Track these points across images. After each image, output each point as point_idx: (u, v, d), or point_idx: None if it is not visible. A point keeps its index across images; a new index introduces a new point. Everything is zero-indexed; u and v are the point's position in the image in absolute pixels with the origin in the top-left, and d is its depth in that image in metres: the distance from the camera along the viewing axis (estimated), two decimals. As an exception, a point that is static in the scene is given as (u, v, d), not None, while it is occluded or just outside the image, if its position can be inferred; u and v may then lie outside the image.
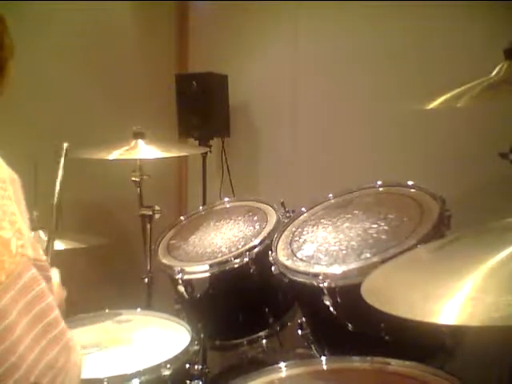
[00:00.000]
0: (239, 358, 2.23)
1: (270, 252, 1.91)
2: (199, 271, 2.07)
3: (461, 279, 1.00)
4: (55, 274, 1.24)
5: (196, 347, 1.74)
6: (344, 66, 2.87)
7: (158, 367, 1.59)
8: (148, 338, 1.86)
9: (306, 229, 1.97)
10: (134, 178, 2.41)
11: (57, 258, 1.53)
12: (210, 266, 2.05)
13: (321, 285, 1.64)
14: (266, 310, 2.12)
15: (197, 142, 3.09)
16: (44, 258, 0.86)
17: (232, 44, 3.25)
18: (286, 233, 2.00)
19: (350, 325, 1.67)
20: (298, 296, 1.93)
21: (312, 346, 1.87)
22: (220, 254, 2.08)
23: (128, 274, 2.53)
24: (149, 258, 2.39)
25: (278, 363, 1.54)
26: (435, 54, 2.55)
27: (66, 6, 2.65)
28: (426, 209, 1.79)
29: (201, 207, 2.57)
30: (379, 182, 2.06)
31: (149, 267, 2.40)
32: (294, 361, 1.56)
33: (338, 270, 1.66)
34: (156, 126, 2.47)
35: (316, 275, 1.67)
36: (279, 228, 2.06)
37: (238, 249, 2.07)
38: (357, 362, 1.50)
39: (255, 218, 2.24)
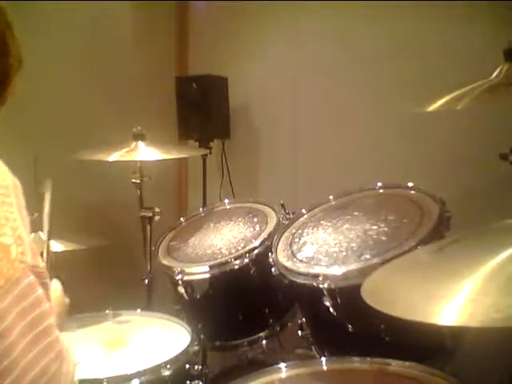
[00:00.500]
0: (239, 359, 2.23)
1: (270, 253, 1.91)
2: (199, 272, 2.07)
3: (461, 280, 1.01)
4: (56, 284, 1.24)
5: (196, 348, 1.74)
6: (344, 68, 2.87)
7: (158, 367, 1.60)
8: (148, 338, 1.86)
9: (306, 230, 1.97)
10: (134, 180, 2.41)
11: (57, 260, 1.53)
12: (210, 267, 2.05)
13: (321, 286, 1.64)
14: (266, 310, 2.13)
15: (197, 143, 3.09)
16: (42, 264, 0.86)
17: (232, 45, 3.25)
18: (286, 234, 2.00)
19: (349, 326, 1.68)
20: (298, 297, 1.93)
21: (312, 347, 1.87)
22: (220, 256, 2.08)
23: (128, 275, 2.53)
24: (149, 260, 2.39)
25: (278, 364, 1.54)
26: (435, 56, 2.55)
27: (66, 6, 2.65)
28: (426, 210, 1.79)
29: (201, 209, 2.57)
30: (379, 184, 2.06)
31: (149, 268, 2.40)
32: (294, 361, 1.57)
33: (338, 271, 1.66)
34: (156, 128, 2.47)
35: (316, 276, 1.67)
36: (279, 229, 2.06)
37: (238, 250, 2.07)
38: (357, 363, 1.50)
39: (255, 220, 2.24)
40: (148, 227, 2.40)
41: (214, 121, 3.11)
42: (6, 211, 0.82)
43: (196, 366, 1.69)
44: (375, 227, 1.81)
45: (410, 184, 1.95)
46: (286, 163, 3.15)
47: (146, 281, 2.40)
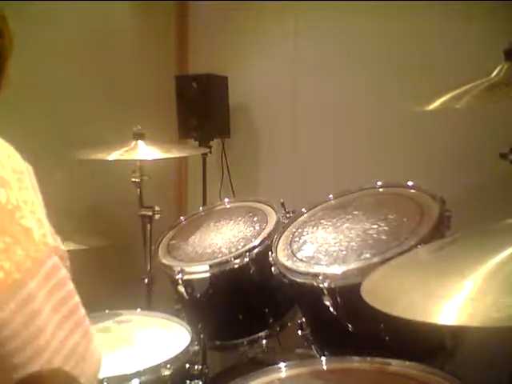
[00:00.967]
0: (239, 358, 2.23)
1: (270, 252, 1.91)
2: (199, 271, 2.07)
3: (461, 280, 1.01)
4: None
5: (196, 347, 1.74)
6: (344, 67, 2.87)
7: (158, 367, 1.59)
8: (148, 338, 1.86)
9: (306, 229, 1.97)
10: (134, 179, 2.41)
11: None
12: (210, 266, 2.05)
13: (321, 285, 1.64)
14: (266, 310, 2.12)
15: (197, 142, 3.09)
16: (63, 247, 0.88)
17: (232, 45, 3.25)
18: (286, 233, 2.00)
19: (349, 325, 1.67)
20: (298, 296, 1.93)
21: (312, 347, 1.87)
22: (220, 255, 2.08)
23: (128, 274, 2.53)
24: (149, 259, 2.39)
25: (277, 363, 1.54)
26: (435, 55, 2.55)
27: (66, 6, 2.65)
28: (426, 209, 1.79)
29: (201, 208, 2.57)
30: (379, 183, 2.06)
31: (149, 267, 2.40)
32: (294, 361, 1.57)
33: (338, 270, 1.66)
34: (156, 127, 2.47)
35: (316, 275, 1.67)
36: (279, 228, 2.06)
37: (238, 249, 2.07)
38: (357, 362, 1.50)
39: (255, 219, 2.24)
40: (148, 226, 2.40)
41: (214, 120, 3.11)
42: (23, 195, 0.83)
43: (196, 366, 1.69)
44: (375, 226, 1.81)
45: (410, 183, 1.95)
46: (286, 162, 3.15)
47: (146, 280, 2.40)
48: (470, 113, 1.99)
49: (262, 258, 1.98)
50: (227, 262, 2.03)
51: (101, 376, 1.52)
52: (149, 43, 3.23)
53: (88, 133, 2.69)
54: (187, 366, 1.67)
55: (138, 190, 2.42)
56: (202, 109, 3.02)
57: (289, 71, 3.10)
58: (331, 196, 2.12)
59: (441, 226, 1.69)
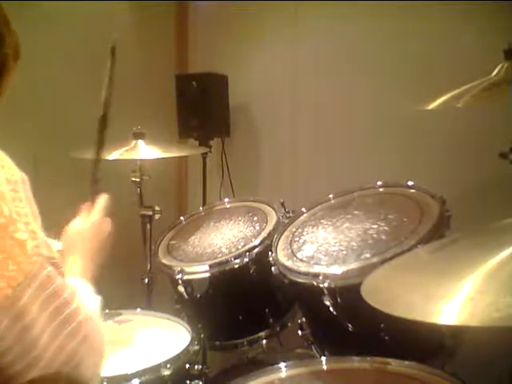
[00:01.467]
0: (239, 358, 2.23)
1: (270, 252, 1.91)
2: (199, 271, 2.06)
3: (461, 280, 1.00)
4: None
5: (196, 347, 1.74)
6: (344, 67, 2.87)
7: (158, 367, 1.59)
8: (148, 338, 1.86)
9: (306, 229, 1.97)
10: (133, 179, 2.41)
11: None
12: (210, 266, 2.05)
13: (321, 285, 1.64)
14: (266, 310, 2.12)
15: (197, 142, 3.09)
16: (57, 255, 0.89)
17: (232, 44, 3.25)
18: (286, 233, 2.00)
19: (349, 325, 1.67)
20: (298, 296, 1.93)
21: (312, 347, 1.87)
22: (220, 255, 2.08)
23: (128, 274, 2.53)
24: (149, 259, 2.39)
25: (278, 363, 1.54)
26: (435, 55, 2.55)
27: (66, 6, 2.65)
28: (426, 209, 1.79)
29: (201, 207, 2.57)
30: (379, 183, 2.06)
31: (149, 267, 2.40)
32: (294, 361, 1.57)
33: (338, 270, 1.66)
34: (156, 127, 2.47)
35: (316, 275, 1.67)
36: (279, 228, 2.06)
37: (237, 249, 2.07)
38: (357, 362, 1.49)
39: (255, 219, 2.24)
40: (148, 226, 2.40)
41: (214, 119, 3.11)
42: (17, 206, 0.84)
43: (196, 366, 1.69)
44: (375, 226, 1.81)
45: (410, 183, 1.95)
46: (286, 162, 3.15)
47: (146, 280, 2.39)
48: (469, 112, 1.99)
49: (262, 257, 1.98)
50: (227, 261, 2.02)
51: (101, 376, 1.53)
52: (149, 43, 3.23)
53: (88, 133, 2.69)
54: (187, 365, 1.67)
55: (138, 190, 2.42)
56: (202, 108, 3.02)
57: (289, 71, 3.10)
58: (331, 196, 2.12)
59: (441, 225, 1.69)
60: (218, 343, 2.17)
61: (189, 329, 1.85)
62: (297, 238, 1.93)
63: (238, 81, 3.14)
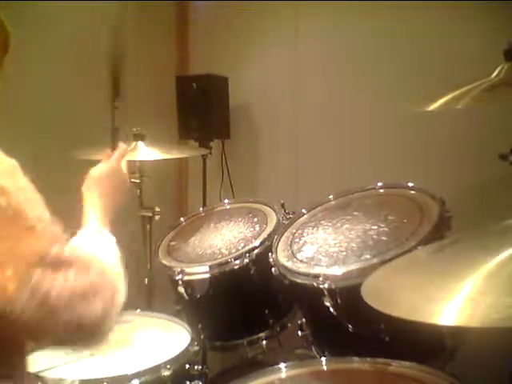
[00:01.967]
0: (239, 359, 2.22)
1: (270, 253, 1.91)
2: (199, 272, 2.07)
3: (461, 280, 1.01)
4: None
5: (196, 348, 1.74)
6: (344, 68, 2.87)
7: (158, 368, 1.59)
8: (148, 338, 1.86)
9: (306, 230, 1.97)
10: (134, 180, 2.40)
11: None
12: (210, 267, 2.05)
13: (321, 286, 1.64)
14: (266, 311, 2.12)
15: (197, 143, 3.09)
16: (60, 231, 0.97)
17: (232, 45, 3.25)
18: (286, 234, 2.00)
19: (350, 326, 1.67)
20: (298, 297, 1.93)
21: (312, 347, 1.87)
22: (220, 256, 2.08)
23: (128, 274, 2.53)
24: (149, 259, 2.38)
25: (278, 364, 1.54)
26: (435, 56, 2.55)
27: (66, 6, 2.65)
28: (426, 210, 1.79)
29: (201, 209, 2.57)
30: (379, 184, 2.06)
31: (149, 268, 2.39)
32: (294, 361, 1.56)
33: (338, 271, 1.66)
34: (156, 128, 2.47)
35: (316, 276, 1.67)
36: (279, 229, 2.06)
37: (238, 250, 2.07)
38: (357, 363, 1.50)
39: (255, 220, 2.24)
40: (148, 227, 2.40)
41: (214, 121, 3.11)
42: (19, 196, 0.89)
43: (196, 366, 1.69)
44: (375, 227, 1.81)
45: (410, 184, 1.95)
46: (286, 163, 3.15)
47: (146, 280, 2.39)
48: (469, 113, 1.99)
49: (262, 258, 1.98)
50: (227, 262, 2.03)
51: (101, 376, 1.54)
52: (149, 43, 3.23)
53: (88, 133, 2.69)
54: (187, 366, 1.67)
55: (138, 191, 2.41)
56: (202, 109, 3.02)
57: (289, 71, 3.11)
58: (331, 197, 2.12)
59: (441, 226, 1.69)
60: (218, 344, 2.17)
61: (189, 329, 1.85)
62: (297, 239, 1.93)
63: (238, 82, 3.14)
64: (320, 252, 1.80)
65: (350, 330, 1.68)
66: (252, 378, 1.49)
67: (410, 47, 2.63)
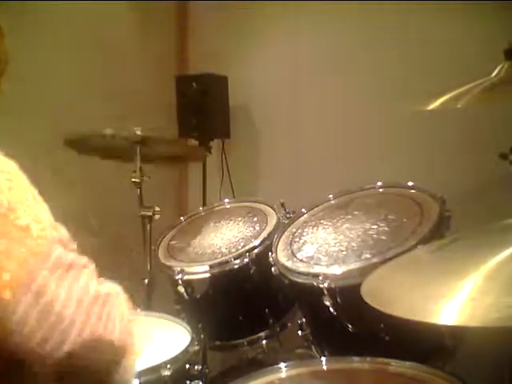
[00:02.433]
0: (239, 359, 2.23)
1: (270, 253, 1.91)
2: (199, 272, 2.07)
3: (461, 280, 1.00)
4: None
5: (196, 347, 1.73)
6: (344, 67, 2.87)
7: (158, 367, 1.59)
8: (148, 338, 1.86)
9: (306, 230, 1.97)
10: (134, 179, 2.40)
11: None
12: (210, 266, 2.05)
13: (321, 285, 1.64)
14: (266, 310, 2.12)
15: (197, 143, 3.09)
16: (65, 233, 0.92)
17: (232, 45, 3.25)
18: (286, 234, 2.00)
19: (349, 325, 1.67)
20: (298, 297, 1.93)
21: (312, 347, 1.87)
22: (220, 255, 2.08)
23: (128, 274, 2.53)
24: (149, 259, 2.38)
25: (278, 363, 1.54)
26: (436, 55, 2.55)
27: (66, 6, 2.65)
28: (426, 209, 1.78)
29: (201, 208, 2.57)
30: (379, 183, 2.06)
31: (149, 268, 2.39)
32: (294, 361, 1.56)
33: (338, 270, 1.66)
34: (156, 128, 2.46)
35: (316, 276, 1.67)
36: (279, 229, 2.06)
37: (238, 249, 2.07)
38: (357, 363, 1.49)
39: (255, 219, 2.24)
40: (148, 226, 2.39)
41: (214, 120, 3.11)
42: (14, 195, 0.85)
43: (196, 366, 1.69)
44: (375, 226, 1.81)
45: (410, 183, 1.95)
46: (286, 162, 3.15)
47: (146, 280, 2.39)
48: (470, 113, 2.00)
49: (262, 258, 1.98)
50: (227, 262, 2.02)
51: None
52: (149, 43, 3.23)
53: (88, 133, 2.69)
54: (187, 366, 1.67)
55: (138, 190, 2.41)
56: (202, 109, 3.02)
57: (289, 72, 3.11)
58: (331, 196, 2.12)
59: (441, 225, 1.69)
60: (218, 343, 2.17)
61: (189, 329, 1.85)
62: (297, 239, 1.93)
63: (238, 82, 3.14)
64: (320, 251, 1.80)
65: (350, 329, 1.68)
66: (252, 377, 1.48)
67: (410, 47, 2.63)
